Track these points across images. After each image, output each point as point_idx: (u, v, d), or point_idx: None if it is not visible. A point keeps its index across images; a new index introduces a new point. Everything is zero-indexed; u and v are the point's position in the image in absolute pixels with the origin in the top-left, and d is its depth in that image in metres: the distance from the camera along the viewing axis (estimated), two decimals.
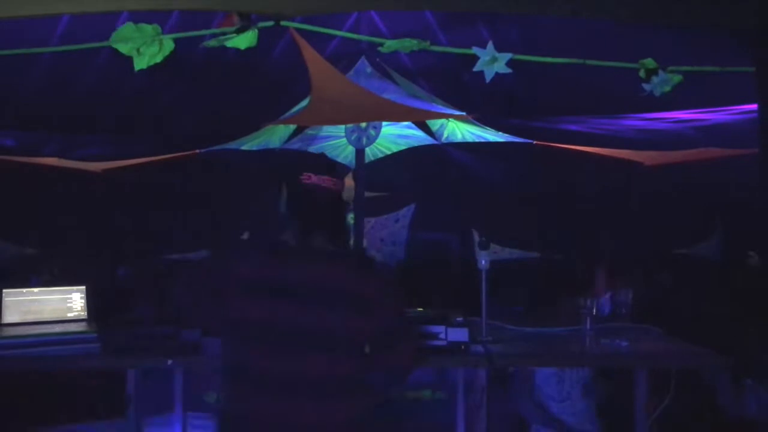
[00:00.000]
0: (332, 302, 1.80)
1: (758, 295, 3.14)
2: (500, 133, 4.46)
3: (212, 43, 2.53)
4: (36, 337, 2.41)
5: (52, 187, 4.45)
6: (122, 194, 4.68)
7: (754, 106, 2.77)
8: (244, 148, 4.81)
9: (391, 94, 3.72)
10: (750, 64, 2.53)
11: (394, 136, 5.11)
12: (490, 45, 2.63)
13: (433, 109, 3.83)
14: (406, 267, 5.33)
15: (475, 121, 4.15)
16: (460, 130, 4.89)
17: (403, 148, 5.23)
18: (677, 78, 2.63)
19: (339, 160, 5.30)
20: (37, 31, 2.86)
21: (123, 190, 4.69)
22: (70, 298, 2.69)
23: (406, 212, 5.53)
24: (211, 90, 3.26)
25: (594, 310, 2.82)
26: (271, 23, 2.48)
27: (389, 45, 2.73)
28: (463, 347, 2.38)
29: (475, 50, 2.66)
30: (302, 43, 2.74)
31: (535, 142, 4.52)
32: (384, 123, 4.78)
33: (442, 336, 2.37)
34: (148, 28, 2.44)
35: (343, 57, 3.36)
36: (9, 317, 2.59)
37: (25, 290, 2.65)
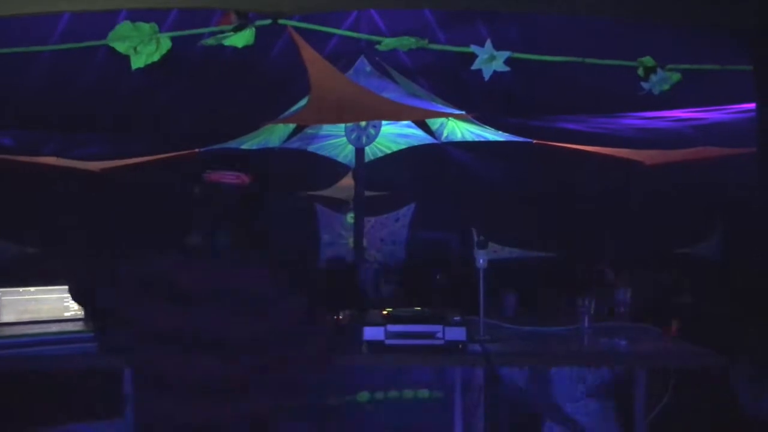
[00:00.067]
0: (228, 304, 1.78)
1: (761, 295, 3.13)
2: (500, 132, 4.46)
3: (210, 41, 2.53)
4: (32, 337, 2.41)
5: (51, 187, 4.44)
6: (122, 194, 4.68)
7: (752, 105, 2.76)
8: (243, 147, 4.81)
9: (391, 93, 3.71)
10: (749, 63, 2.52)
11: (394, 135, 5.11)
12: (488, 43, 2.63)
13: (432, 108, 3.82)
14: (406, 266, 5.33)
15: (475, 120, 4.14)
16: (459, 129, 4.88)
17: (403, 147, 5.23)
18: (676, 76, 2.62)
19: (339, 159, 5.30)
20: (37, 29, 2.86)
21: (123, 189, 4.69)
22: (67, 298, 2.69)
23: (406, 211, 5.53)
24: (209, 89, 3.25)
25: (592, 309, 2.81)
26: (269, 21, 2.47)
27: (387, 43, 2.72)
28: (460, 346, 2.37)
29: (473, 48, 2.65)
30: (300, 41, 2.74)
31: (534, 141, 4.52)
32: (384, 122, 4.78)
33: (440, 335, 2.37)
34: (146, 27, 2.44)
35: (342, 56, 3.36)
36: (5, 317, 2.59)
37: (21, 290, 2.65)
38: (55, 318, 2.62)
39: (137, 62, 2.45)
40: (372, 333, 2.37)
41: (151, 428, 1.83)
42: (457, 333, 2.37)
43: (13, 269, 4.42)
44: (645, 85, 2.65)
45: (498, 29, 2.91)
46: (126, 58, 2.45)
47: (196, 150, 4.59)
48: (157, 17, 2.51)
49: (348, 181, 5.21)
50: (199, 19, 2.65)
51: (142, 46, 2.43)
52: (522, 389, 3.21)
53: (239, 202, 1.89)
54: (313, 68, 3.02)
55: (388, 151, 5.26)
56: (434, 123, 4.93)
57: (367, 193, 5.06)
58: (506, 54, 2.60)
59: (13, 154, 3.95)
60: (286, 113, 3.77)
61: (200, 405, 1.78)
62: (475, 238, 2.68)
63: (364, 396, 2.97)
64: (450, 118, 4.53)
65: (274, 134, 4.85)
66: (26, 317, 2.60)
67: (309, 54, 2.86)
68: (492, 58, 2.60)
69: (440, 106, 3.77)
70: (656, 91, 2.66)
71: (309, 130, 5.01)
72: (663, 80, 2.60)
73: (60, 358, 2.37)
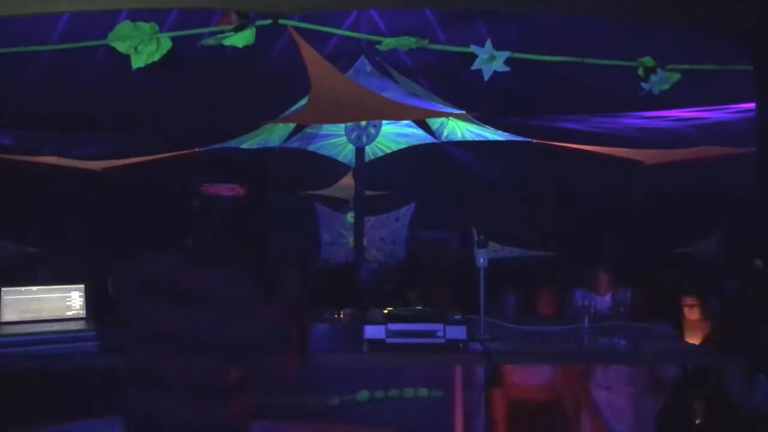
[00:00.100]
0: (207, 306, 1.81)
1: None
2: (500, 131, 4.46)
3: (210, 41, 2.53)
4: (34, 336, 2.41)
5: (52, 186, 4.44)
6: (122, 193, 4.68)
7: (752, 105, 2.76)
8: (243, 146, 4.81)
9: (391, 93, 3.72)
10: (749, 63, 2.52)
11: (394, 134, 5.11)
12: (488, 43, 2.63)
13: (433, 108, 3.82)
14: (407, 265, 5.33)
15: (475, 120, 4.14)
16: (459, 128, 4.89)
17: (403, 146, 5.23)
18: (676, 76, 2.63)
19: (339, 158, 5.31)
20: (37, 29, 2.86)
21: (123, 189, 4.70)
22: (69, 297, 2.70)
23: (406, 211, 5.54)
24: (209, 88, 3.26)
25: (592, 309, 2.81)
26: (269, 21, 2.48)
27: (388, 43, 2.73)
28: (461, 345, 2.37)
29: (473, 48, 2.66)
30: (301, 41, 2.74)
31: (534, 140, 4.52)
32: (384, 121, 4.78)
33: (440, 334, 2.37)
34: (146, 27, 2.44)
35: (342, 55, 3.36)
36: (8, 315, 2.59)
37: (23, 289, 2.65)
38: (56, 317, 2.62)
39: (138, 62, 2.46)
40: (373, 332, 2.37)
41: (149, 428, 1.85)
42: (457, 332, 2.37)
43: (12, 268, 4.42)
44: (645, 85, 2.65)
45: (498, 29, 2.91)
46: (126, 58, 2.46)
47: (197, 150, 4.60)
48: (158, 17, 2.51)
49: (348, 180, 5.22)
50: (200, 19, 2.65)
51: (143, 46, 2.44)
52: None
53: (234, 214, 1.94)
54: (314, 68, 3.03)
55: (389, 151, 5.26)
56: (434, 123, 4.94)
57: (368, 193, 5.07)
58: (506, 54, 2.61)
59: (13, 153, 3.96)
60: (287, 113, 3.78)
61: (197, 405, 1.80)
62: (476, 238, 2.68)
63: (364, 395, 2.97)
64: (450, 117, 4.53)
65: (274, 134, 4.85)
66: (28, 316, 2.60)
67: (309, 54, 2.87)
68: (492, 58, 2.61)
69: (440, 105, 3.78)
70: (656, 91, 2.66)
71: (309, 130, 5.02)
72: (663, 80, 2.60)
73: (61, 356, 2.37)
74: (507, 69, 2.62)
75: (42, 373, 2.66)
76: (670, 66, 2.61)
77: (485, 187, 4.99)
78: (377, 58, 3.47)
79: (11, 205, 4.27)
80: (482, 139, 4.88)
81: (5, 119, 3.46)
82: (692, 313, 3.96)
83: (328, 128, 5.04)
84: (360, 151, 4.92)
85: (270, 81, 3.29)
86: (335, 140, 5.19)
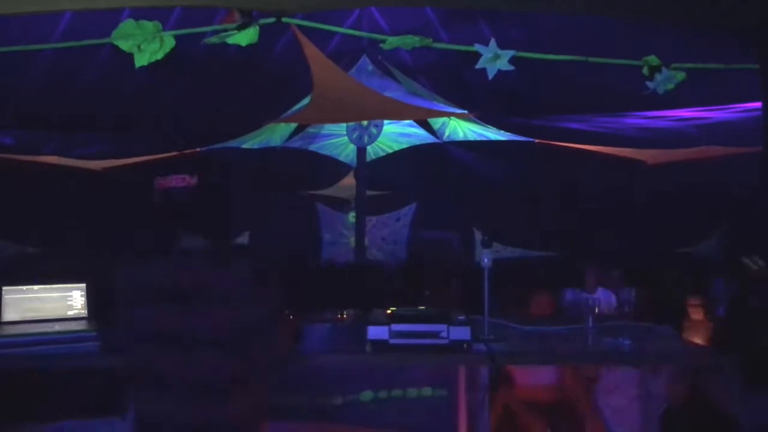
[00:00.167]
0: (194, 302, 1.81)
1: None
2: (502, 131, 4.45)
3: (213, 39, 2.53)
4: (36, 336, 2.40)
5: (52, 186, 4.43)
6: (122, 193, 4.67)
7: (755, 105, 2.76)
8: (245, 146, 4.80)
9: (393, 92, 3.70)
10: (754, 62, 2.52)
11: (396, 134, 5.10)
12: (492, 42, 2.63)
13: (435, 107, 3.81)
14: (408, 265, 5.32)
15: (477, 120, 4.13)
16: (461, 128, 4.88)
17: (405, 146, 5.22)
18: (681, 75, 2.62)
19: (340, 158, 5.30)
20: (39, 28, 2.85)
21: (123, 189, 4.68)
22: (71, 296, 2.68)
23: (407, 211, 5.53)
24: (212, 87, 3.24)
25: (596, 309, 2.80)
26: (272, 20, 2.47)
27: (391, 41, 2.73)
28: (465, 346, 2.36)
29: (477, 47, 2.65)
30: (304, 40, 2.73)
31: (536, 140, 4.51)
32: (386, 121, 4.78)
33: (444, 335, 2.35)
34: (149, 25, 2.44)
35: (344, 54, 3.35)
36: (9, 315, 2.57)
37: (25, 288, 2.63)
38: (57, 317, 2.61)
39: (141, 60, 2.46)
40: (376, 332, 2.35)
41: (149, 427, 1.84)
42: (461, 332, 2.35)
43: (12, 268, 4.41)
44: (650, 84, 2.65)
45: (501, 28, 2.90)
46: (129, 56, 2.45)
47: (198, 149, 4.58)
48: (161, 16, 2.51)
49: (350, 180, 5.21)
50: (203, 18, 2.65)
51: (146, 44, 2.43)
52: None
53: (188, 204, 1.92)
54: (316, 66, 3.02)
55: (390, 151, 5.26)
56: (436, 122, 4.93)
57: (369, 193, 5.06)
58: (511, 53, 2.61)
59: (14, 153, 3.94)
60: (289, 112, 3.77)
61: (197, 405, 1.79)
62: (480, 238, 2.67)
63: (367, 395, 2.96)
64: (452, 117, 4.52)
65: (276, 133, 4.84)
66: (29, 316, 2.58)
67: (312, 52, 2.86)
68: (496, 57, 2.61)
69: (442, 105, 3.77)
70: (661, 90, 2.66)
71: (311, 130, 5.01)
72: (668, 79, 2.60)
73: (62, 356, 2.35)
74: (511, 68, 2.61)
75: (43, 373, 2.65)
76: (675, 65, 2.60)
77: (487, 187, 4.99)
78: (379, 57, 3.46)
79: (12, 205, 4.26)
80: (484, 138, 4.88)
81: (6, 118, 3.44)
82: (696, 313, 3.95)
83: (329, 128, 5.03)
84: (361, 151, 4.91)
85: (273, 79, 3.28)
86: (337, 140, 5.18)
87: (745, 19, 2.39)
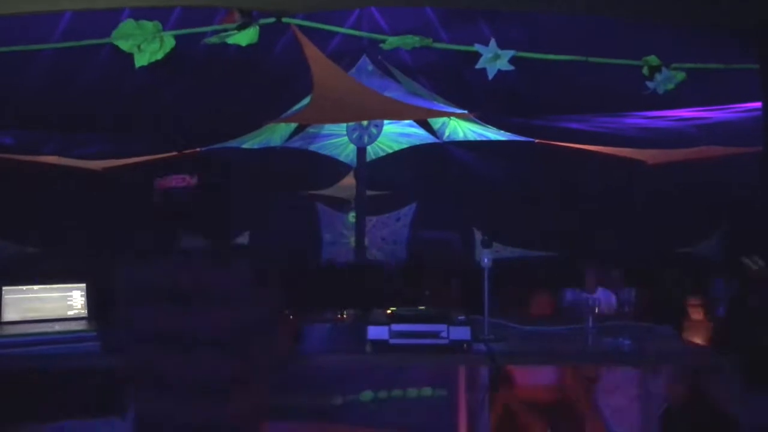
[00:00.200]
0: (194, 302, 1.81)
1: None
2: (502, 131, 4.45)
3: (213, 39, 2.53)
4: (36, 336, 2.40)
5: (52, 186, 4.43)
6: (122, 193, 4.67)
7: (758, 104, 2.75)
8: (245, 146, 4.80)
9: (393, 92, 3.70)
10: (754, 62, 2.52)
11: (396, 134, 5.10)
12: (492, 42, 2.63)
13: (435, 107, 3.81)
14: (408, 265, 5.32)
15: (477, 120, 4.13)
16: (461, 128, 4.88)
17: (405, 146, 5.22)
18: (681, 75, 2.62)
19: (340, 158, 5.30)
20: (40, 28, 2.85)
21: (123, 189, 4.68)
22: (71, 296, 2.68)
23: (407, 211, 5.53)
24: (212, 87, 3.24)
25: (596, 309, 2.80)
26: (272, 20, 2.47)
27: (391, 41, 2.73)
28: (465, 346, 2.36)
29: (477, 47, 2.65)
30: (304, 40, 2.73)
31: (536, 140, 4.51)
32: (386, 121, 4.78)
33: (444, 335, 2.35)
34: (149, 25, 2.44)
35: (344, 54, 3.35)
36: (9, 315, 2.57)
37: (25, 288, 2.63)
38: (58, 317, 2.61)
39: (141, 60, 2.46)
40: (376, 332, 2.36)
41: (149, 427, 1.84)
42: (461, 332, 2.35)
43: (12, 268, 4.41)
44: (650, 84, 2.64)
45: (501, 28, 2.90)
46: (129, 56, 2.45)
47: (198, 149, 4.58)
48: (161, 16, 2.51)
49: (350, 180, 5.21)
50: (203, 18, 2.65)
51: (146, 44, 2.43)
52: None
53: (188, 204, 1.92)
54: (316, 66, 3.02)
55: (390, 151, 5.26)
56: (436, 122, 4.93)
57: (369, 193, 5.06)
58: (511, 53, 2.61)
59: (14, 153, 3.94)
60: (289, 112, 3.77)
61: (197, 405, 1.79)
62: (480, 238, 2.67)
63: (367, 395, 2.96)
64: (452, 117, 4.52)
65: (276, 133, 4.84)
66: (29, 316, 2.58)
67: (312, 52, 2.86)
68: (496, 56, 2.61)
69: (442, 105, 3.77)
70: (661, 90, 2.65)
71: (311, 130, 5.01)
72: (668, 79, 2.60)
73: (62, 356, 2.35)
74: (511, 68, 2.61)
75: (43, 373, 2.65)
76: (675, 65, 2.60)
77: (487, 187, 4.99)
78: (379, 57, 3.46)
79: (12, 205, 4.26)
80: (484, 138, 4.88)
81: (6, 118, 3.44)
82: (696, 314, 3.95)
83: (329, 128, 5.03)
84: (361, 151, 4.92)
85: (273, 79, 3.28)
86: (337, 140, 5.18)
87: (745, 19, 2.39)
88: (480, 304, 2.60)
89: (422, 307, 2.67)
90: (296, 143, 5.12)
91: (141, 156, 4.44)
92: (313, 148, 5.24)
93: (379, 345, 2.35)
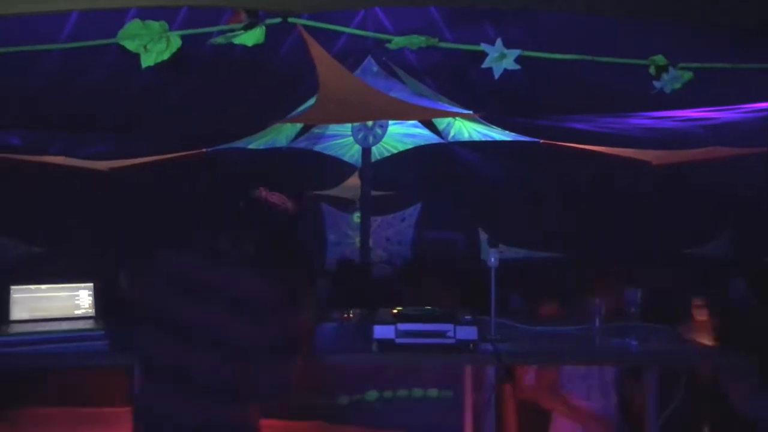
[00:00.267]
0: (230, 306, 1.82)
1: None
2: (507, 131, 4.45)
3: (219, 40, 2.52)
4: (44, 334, 2.42)
5: (59, 186, 4.45)
6: (128, 193, 4.69)
7: (765, 105, 2.74)
8: (251, 146, 4.81)
9: (398, 93, 3.71)
10: (762, 62, 2.50)
11: (401, 134, 5.10)
12: (498, 41, 2.61)
13: (440, 108, 3.81)
14: (413, 266, 5.32)
15: (482, 120, 4.13)
16: (466, 128, 4.88)
17: (410, 146, 5.22)
18: (688, 75, 2.59)
19: (345, 158, 5.30)
20: (46, 29, 2.85)
21: (129, 188, 4.70)
22: (78, 296, 2.70)
23: (412, 211, 5.53)
24: (219, 87, 3.25)
25: (603, 309, 2.80)
26: (278, 20, 2.47)
27: (397, 41, 2.71)
28: (471, 346, 2.36)
29: (483, 47, 2.64)
30: (310, 40, 2.73)
31: (542, 141, 4.50)
32: (390, 122, 4.78)
33: (451, 334, 2.35)
34: (156, 25, 2.43)
35: (350, 54, 3.35)
36: (17, 314, 2.59)
37: (33, 287, 2.65)
38: (66, 315, 2.63)
39: (147, 60, 2.45)
40: (382, 332, 2.36)
41: (150, 426, 1.85)
42: (468, 332, 2.35)
43: (21, 267, 4.43)
44: (657, 83, 2.62)
45: (506, 28, 2.89)
46: (136, 57, 2.45)
47: (204, 150, 4.60)
48: (167, 16, 2.50)
49: (354, 180, 5.21)
50: (209, 18, 2.64)
51: (152, 45, 2.42)
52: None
53: (279, 225, 1.96)
54: (322, 66, 3.02)
55: (395, 151, 5.26)
56: (441, 123, 4.93)
57: (374, 193, 5.07)
58: (517, 52, 2.59)
59: (22, 153, 3.96)
60: (295, 112, 3.77)
61: (190, 402, 1.80)
62: (483, 239, 2.67)
63: (373, 395, 2.96)
64: (457, 117, 4.52)
65: (282, 134, 4.85)
66: (38, 314, 2.60)
67: (318, 52, 2.86)
68: (502, 56, 2.59)
69: (447, 105, 3.77)
70: (668, 89, 2.63)
71: (316, 130, 5.01)
72: (675, 79, 2.58)
73: (70, 355, 2.37)
74: (518, 67, 2.60)
75: (52, 372, 2.67)
76: (682, 64, 2.58)
77: (492, 187, 4.98)
78: (383, 58, 3.46)
79: (18, 205, 4.28)
80: (489, 139, 4.87)
81: (13, 119, 3.46)
82: (700, 314, 3.94)
83: (334, 128, 5.03)
84: (366, 152, 4.92)
85: (279, 79, 3.28)
86: (342, 140, 5.18)
87: (753, 18, 2.38)
88: (485, 305, 2.60)
89: (428, 307, 2.68)
90: (301, 144, 5.13)
91: (147, 156, 4.45)
92: (318, 148, 5.24)
93: (386, 344, 2.36)
